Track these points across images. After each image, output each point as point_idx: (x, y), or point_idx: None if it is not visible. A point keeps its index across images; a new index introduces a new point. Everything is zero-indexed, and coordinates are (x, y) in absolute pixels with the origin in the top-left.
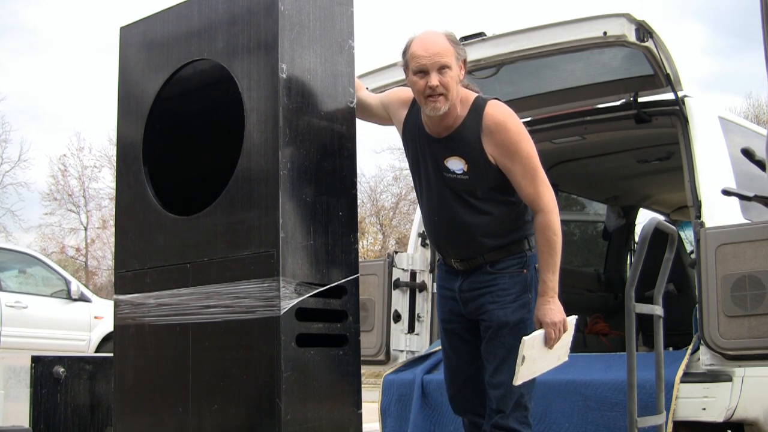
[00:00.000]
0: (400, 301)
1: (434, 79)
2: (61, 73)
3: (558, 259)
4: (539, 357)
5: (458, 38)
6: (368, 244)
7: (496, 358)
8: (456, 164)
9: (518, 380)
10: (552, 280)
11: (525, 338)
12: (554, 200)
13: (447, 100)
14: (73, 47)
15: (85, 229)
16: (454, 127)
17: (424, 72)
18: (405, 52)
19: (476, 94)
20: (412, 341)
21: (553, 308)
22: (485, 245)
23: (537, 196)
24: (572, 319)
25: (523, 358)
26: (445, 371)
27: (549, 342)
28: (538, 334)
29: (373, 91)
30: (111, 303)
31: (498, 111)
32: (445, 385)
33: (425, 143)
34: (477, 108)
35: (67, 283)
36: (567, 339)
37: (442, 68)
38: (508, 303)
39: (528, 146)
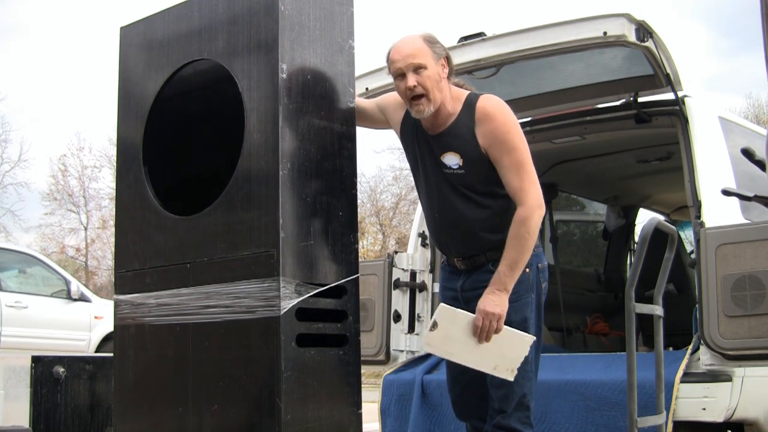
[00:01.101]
0: (400, 301)
1: (411, 80)
2: (61, 73)
3: (522, 258)
4: (461, 341)
5: (457, 39)
6: (368, 244)
7: None
8: (452, 159)
9: (424, 346)
10: (506, 275)
11: (444, 305)
12: (540, 199)
13: (429, 101)
14: (73, 47)
15: (85, 229)
16: (448, 124)
17: (401, 75)
18: (387, 60)
19: (468, 92)
20: (412, 341)
21: (494, 300)
22: (486, 241)
23: (521, 189)
24: (528, 339)
25: (434, 324)
26: (448, 375)
27: (475, 331)
28: (465, 313)
29: (374, 91)
30: (111, 303)
31: (489, 103)
32: (448, 390)
33: (423, 140)
34: (470, 103)
35: (67, 283)
36: (513, 352)
37: (416, 69)
38: (511, 302)
39: (517, 139)
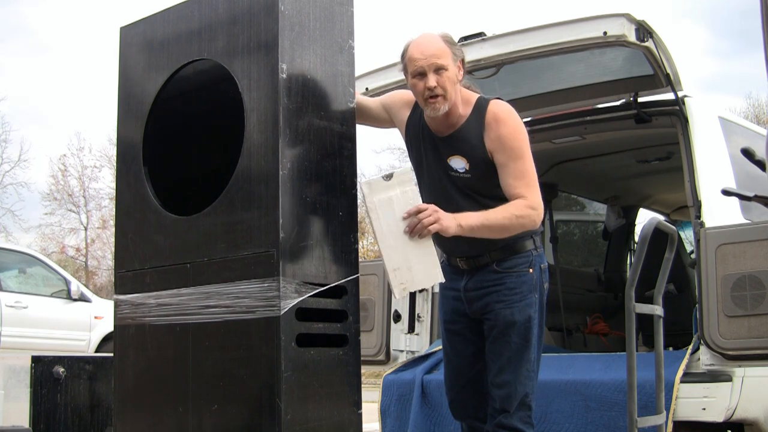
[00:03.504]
0: (400, 301)
1: (431, 80)
2: (61, 73)
3: (497, 231)
4: (393, 214)
5: (457, 39)
6: (368, 244)
7: (501, 357)
8: (458, 163)
9: (363, 184)
10: (475, 223)
11: (411, 171)
12: (541, 205)
13: (446, 100)
14: (73, 48)
15: (85, 229)
16: (458, 126)
17: (421, 74)
18: (403, 56)
19: (478, 95)
20: (412, 341)
21: (451, 216)
22: (490, 242)
23: (523, 192)
24: (437, 276)
25: (390, 176)
26: (446, 375)
27: (411, 211)
28: (417, 193)
29: (374, 91)
30: (111, 303)
31: (500, 108)
32: (445, 390)
33: (429, 142)
34: (480, 107)
35: (67, 283)
36: (419, 274)
37: (438, 69)
38: (515, 302)
39: (524, 148)
